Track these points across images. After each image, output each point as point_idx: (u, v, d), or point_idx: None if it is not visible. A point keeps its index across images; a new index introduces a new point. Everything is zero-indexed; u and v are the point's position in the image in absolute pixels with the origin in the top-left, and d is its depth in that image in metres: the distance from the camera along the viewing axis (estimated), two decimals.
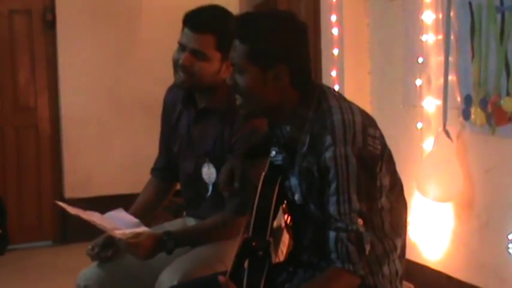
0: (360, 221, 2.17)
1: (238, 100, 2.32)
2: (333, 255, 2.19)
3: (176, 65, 2.86)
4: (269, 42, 2.24)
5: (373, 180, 2.22)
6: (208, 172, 2.92)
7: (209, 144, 2.90)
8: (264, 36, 2.25)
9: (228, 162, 2.58)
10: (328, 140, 2.19)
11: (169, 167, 3.11)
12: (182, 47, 2.84)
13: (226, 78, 2.36)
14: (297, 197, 2.32)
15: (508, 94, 3.27)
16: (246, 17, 2.35)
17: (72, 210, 2.83)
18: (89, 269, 2.96)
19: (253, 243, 2.26)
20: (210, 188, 2.93)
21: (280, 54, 2.25)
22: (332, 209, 2.19)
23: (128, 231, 2.77)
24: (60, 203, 2.95)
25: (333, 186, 2.18)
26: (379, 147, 2.24)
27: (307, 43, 2.31)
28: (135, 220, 2.88)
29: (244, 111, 2.35)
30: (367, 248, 2.19)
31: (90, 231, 2.86)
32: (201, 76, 2.82)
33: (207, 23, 2.81)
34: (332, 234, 2.19)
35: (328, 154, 2.18)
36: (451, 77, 3.62)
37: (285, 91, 2.27)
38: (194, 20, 2.82)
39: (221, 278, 2.20)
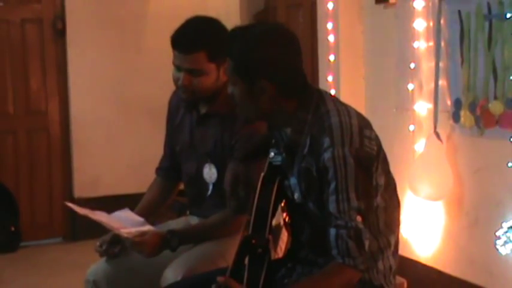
0: (359, 218, 2.17)
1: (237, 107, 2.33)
2: (334, 251, 2.19)
3: (177, 84, 2.86)
4: (250, 59, 2.22)
5: (370, 180, 2.22)
6: (210, 172, 2.92)
7: (210, 146, 2.90)
8: (246, 54, 2.23)
9: (231, 167, 2.56)
10: (327, 141, 2.19)
11: (174, 166, 3.10)
12: (178, 68, 2.83)
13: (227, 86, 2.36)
14: (296, 196, 2.32)
15: (495, 98, 3.26)
16: (234, 33, 2.33)
17: (80, 210, 2.83)
18: (98, 265, 2.96)
19: (253, 241, 2.25)
20: (211, 188, 2.93)
21: (261, 70, 2.22)
22: (332, 207, 2.18)
23: (134, 230, 2.77)
24: (70, 204, 2.95)
25: (332, 185, 2.18)
26: (375, 148, 2.24)
27: (294, 54, 2.27)
28: (140, 219, 2.88)
29: (242, 116, 2.36)
30: (366, 243, 2.18)
31: (99, 228, 2.85)
32: (203, 90, 2.82)
33: (194, 43, 2.77)
34: (332, 231, 2.18)
35: (327, 155, 2.18)
36: (442, 82, 3.61)
37: (275, 101, 2.26)
38: (181, 43, 2.79)
39: (219, 279, 2.19)
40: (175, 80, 2.85)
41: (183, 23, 2.84)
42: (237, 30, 2.34)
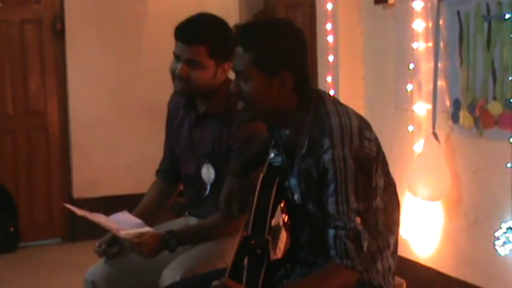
0: (358, 219, 2.16)
1: (241, 105, 2.31)
2: (332, 252, 2.18)
3: (174, 75, 2.86)
4: (273, 49, 2.23)
5: (370, 181, 2.21)
6: (208, 172, 2.92)
7: (208, 146, 2.90)
8: (268, 44, 2.23)
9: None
10: (327, 142, 2.18)
11: (173, 168, 3.10)
12: (177, 58, 2.84)
13: (230, 85, 2.34)
14: (296, 197, 2.32)
15: (494, 98, 3.26)
16: (248, 26, 2.34)
17: (79, 212, 2.84)
18: (96, 265, 2.96)
19: (252, 242, 2.25)
20: (209, 188, 2.93)
21: (284, 60, 2.23)
22: (331, 208, 2.18)
23: (133, 231, 2.77)
24: (68, 206, 2.95)
25: (332, 186, 2.17)
26: (374, 149, 2.24)
27: (306, 49, 2.31)
28: (138, 221, 2.88)
29: (249, 115, 2.34)
30: (365, 245, 2.18)
31: (98, 229, 2.85)
32: (198, 84, 2.82)
33: (198, 36, 2.79)
34: (331, 232, 2.18)
35: (327, 156, 2.18)
36: (441, 83, 3.61)
37: (287, 96, 2.26)
38: (185, 34, 2.81)
39: (215, 283, 2.19)
40: (173, 71, 2.85)
41: (189, 16, 2.86)
42: (250, 23, 2.35)
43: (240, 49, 2.26)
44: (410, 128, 3.79)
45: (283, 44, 2.24)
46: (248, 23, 2.38)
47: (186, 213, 3.15)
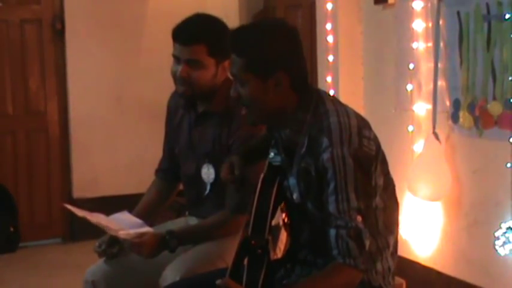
0: (359, 218, 2.16)
1: (244, 109, 2.33)
2: (334, 252, 2.18)
3: (175, 77, 2.85)
4: (265, 52, 2.23)
5: (369, 180, 2.22)
6: (208, 172, 2.92)
7: (208, 146, 2.90)
8: (260, 47, 2.24)
9: (227, 159, 2.59)
10: (326, 142, 2.19)
11: (173, 168, 3.10)
12: (177, 59, 2.83)
13: (230, 84, 2.36)
14: (295, 196, 2.32)
15: (494, 99, 3.26)
16: (239, 31, 2.34)
17: (79, 212, 2.83)
18: (96, 265, 2.96)
19: (253, 242, 2.25)
20: (208, 187, 2.93)
21: (277, 62, 2.24)
22: (331, 207, 2.18)
23: (132, 231, 2.77)
24: (68, 206, 2.95)
25: (332, 186, 2.17)
26: (373, 148, 2.24)
27: (301, 46, 2.30)
28: (138, 221, 2.88)
29: (251, 119, 2.35)
30: (367, 243, 2.18)
31: (98, 229, 2.85)
32: (200, 84, 2.81)
33: (195, 36, 2.79)
34: (332, 232, 2.18)
35: (326, 155, 2.18)
36: (441, 83, 3.61)
37: (286, 95, 2.27)
38: (182, 35, 2.81)
39: (218, 282, 2.19)
40: (174, 73, 2.85)
41: (186, 17, 2.86)
42: (241, 28, 2.35)
43: (234, 55, 2.27)
44: (410, 128, 3.79)
45: (274, 45, 2.24)
46: (239, 28, 2.37)
47: (186, 213, 3.15)
